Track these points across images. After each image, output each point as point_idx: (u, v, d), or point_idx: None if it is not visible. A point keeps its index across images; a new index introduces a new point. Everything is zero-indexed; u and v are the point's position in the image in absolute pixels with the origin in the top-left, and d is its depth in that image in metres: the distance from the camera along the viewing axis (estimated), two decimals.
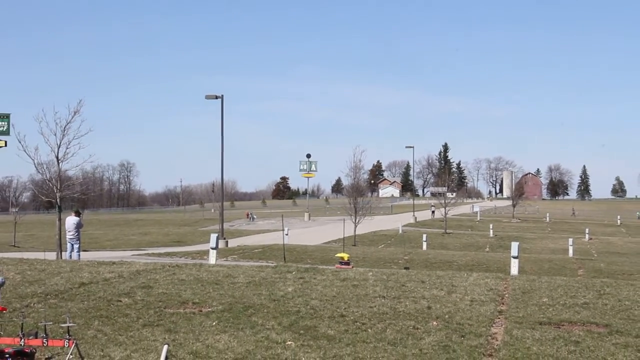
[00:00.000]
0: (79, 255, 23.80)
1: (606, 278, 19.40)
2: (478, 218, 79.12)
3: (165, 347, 7.78)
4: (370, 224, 50.48)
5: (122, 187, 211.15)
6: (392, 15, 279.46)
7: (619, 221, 78.88)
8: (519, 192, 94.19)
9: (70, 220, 24.23)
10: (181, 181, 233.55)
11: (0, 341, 7.72)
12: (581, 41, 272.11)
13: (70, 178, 30.04)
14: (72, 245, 24.01)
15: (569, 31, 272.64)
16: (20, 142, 24.83)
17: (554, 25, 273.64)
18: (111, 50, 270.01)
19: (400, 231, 53.59)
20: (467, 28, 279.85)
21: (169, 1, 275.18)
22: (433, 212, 75.22)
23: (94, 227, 64.41)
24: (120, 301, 11.61)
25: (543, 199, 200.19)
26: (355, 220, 43.72)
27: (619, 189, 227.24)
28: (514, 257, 19.99)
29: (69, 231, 24.09)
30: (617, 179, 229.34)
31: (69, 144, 24.49)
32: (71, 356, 7.67)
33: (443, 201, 60.85)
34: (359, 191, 48.77)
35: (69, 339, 7.65)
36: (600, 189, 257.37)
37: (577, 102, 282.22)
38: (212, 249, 21.57)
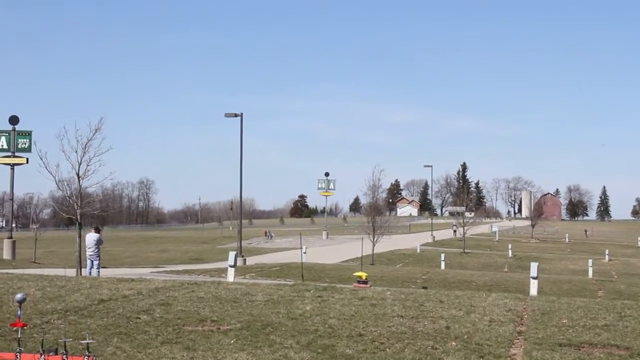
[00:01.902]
0: (99, 272, 23.91)
1: (627, 300, 19.21)
2: (497, 238, 78.72)
3: None
4: (388, 243, 50.37)
5: (141, 204, 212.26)
6: (409, 33, 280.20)
7: (639, 242, 78.14)
8: (538, 212, 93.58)
9: (91, 237, 24.38)
10: (200, 199, 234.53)
11: (21, 357, 7.79)
12: (600, 59, 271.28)
13: (91, 195, 30.29)
14: (92, 261, 24.13)
15: (588, 49, 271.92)
16: (41, 159, 24.99)
17: (572, 43, 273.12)
18: (131, 66, 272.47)
19: (419, 250, 53.40)
20: (485, 47, 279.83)
21: (189, 18, 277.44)
22: (455, 231, 75.13)
23: (113, 244, 64.74)
24: (139, 318, 11.65)
25: (562, 220, 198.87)
26: (373, 239, 43.64)
27: (639, 210, 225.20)
28: (533, 278, 19.85)
29: (89, 248, 24.22)
30: (638, 200, 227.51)
31: (89, 161, 24.66)
32: None
33: (461, 221, 60.81)
34: (377, 210, 48.72)
35: (89, 356, 7.70)
36: (621, 210, 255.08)
37: (598, 121, 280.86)
38: (231, 266, 21.59)
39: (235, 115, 40.61)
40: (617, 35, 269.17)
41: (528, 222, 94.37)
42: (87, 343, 8.02)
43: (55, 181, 25.31)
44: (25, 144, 40.20)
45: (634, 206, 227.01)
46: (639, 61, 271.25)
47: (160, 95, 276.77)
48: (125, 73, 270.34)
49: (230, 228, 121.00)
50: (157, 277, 21.56)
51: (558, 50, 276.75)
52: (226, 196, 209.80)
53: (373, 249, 42.59)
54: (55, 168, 25.05)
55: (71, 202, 25.74)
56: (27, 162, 40.42)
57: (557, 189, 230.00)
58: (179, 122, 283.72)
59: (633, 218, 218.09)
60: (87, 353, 7.80)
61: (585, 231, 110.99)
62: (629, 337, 10.93)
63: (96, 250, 24.22)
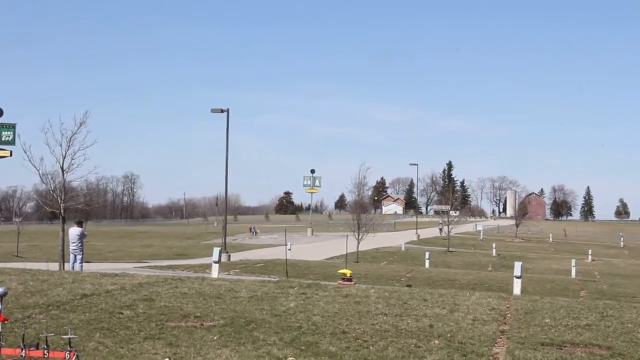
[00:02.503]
0: (82, 266, 23.79)
1: (609, 300, 19.33)
2: (481, 237, 78.93)
3: None
4: (373, 241, 50.33)
5: (125, 198, 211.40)
6: (397, 32, 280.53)
7: (622, 243, 78.65)
8: (523, 211, 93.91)
9: (74, 231, 24.24)
10: (185, 194, 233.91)
11: (2, 352, 7.72)
12: (585, 59, 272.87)
13: (75, 189, 30.10)
14: (76, 256, 24.00)
15: (573, 49, 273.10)
16: (25, 152, 24.91)
17: (557, 43, 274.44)
18: (116, 62, 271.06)
19: (403, 248, 53.47)
20: (471, 47, 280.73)
21: (175, 13, 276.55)
22: (441, 229, 75.29)
23: (97, 238, 64.45)
24: (122, 313, 11.60)
25: (546, 219, 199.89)
26: (358, 237, 43.65)
27: (622, 211, 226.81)
28: (517, 277, 19.92)
29: (72, 242, 24.09)
30: (621, 200, 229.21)
31: (74, 155, 24.57)
32: None
33: (446, 219, 61.03)
34: (363, 207, 48.74)
35: (70, 351, 7.65)
36: (604, 211, 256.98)
37: (582, 122, 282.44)
38: (215, 262, 21.54)
39: (222, 111, 40.49)
40: (602, 34, 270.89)
41: (512, 222, 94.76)
42: (69, 338, 7.96)
43: (39, 174, 25.20)
44: (9, 136, 39.65)
45: (618, 207, 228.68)
46: (625, 61, 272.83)
47: (146, 91, 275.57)
48: (111, 68, 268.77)
49: (215, 224, 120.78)
50: (140, 273, 21.48)
51: (544, 50, 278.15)
52: (211, 192, 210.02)
53: (358, 247, 42.61)
54: (39, 161, 24.95)
55: (55, 195, 25.60)
56: (11, 155, 40.08)
57: (542, 189, 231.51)
58: (165, 117, 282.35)
59: (616, 219, 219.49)
60: (68, 348, 7.74)
61: (564, 231, 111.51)
62: (611, 337, 10.99)
63: (79, 245, 24.09)
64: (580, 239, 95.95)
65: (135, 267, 30.23)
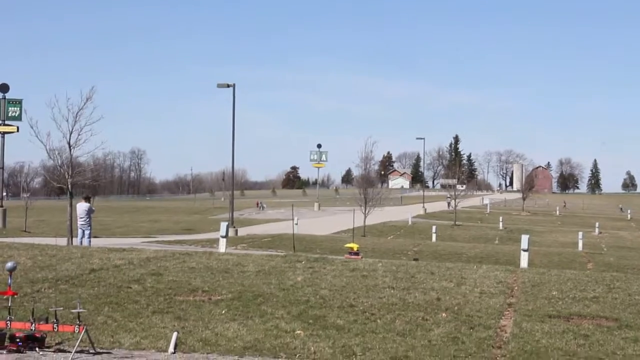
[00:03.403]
0: (90, 241, 23.87)
1: (616, 272, 19.31)
2: (488, 210, 78.92)
3: (175, 334, 7.84)
4: (379, 215, 50.34)
5: (132, 174, 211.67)
6: (402, 6, 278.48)
7: (629, 215, 78.57)
8: (529, 185, 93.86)
9: (82, 207, 24.28)
10: (192, 169, 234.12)
11: (12, 326, 7.79)
12: (592, 33, 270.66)
13: (82, 164, 30.04)
14: (84, 231, 24.07)
15: (582, 23, 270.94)
16: (32, 128, 24.78)
17: (566, 16, 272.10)
18: (123, 37, 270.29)
19: (410, 222, 53.53)
20: (476, 20, 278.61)
21: None
22: (449, 203, 75.32)
23: (104, 213, 64.64)
24: (131, 288, 11.66)
25: (553, 193, 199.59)
26: (365, 211, 43.68)
27: (629, 183, 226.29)
28: (524, 250, 19.92)
29: (80, 217, 24.15)
30: (628, 173, 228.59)
31: (80, 130, 24.45)
32: (81, 342, 7.72)
33: (453, 193, 61.03)
34: (369, 182, 48.71)
35: (79, 325, 7.71)
36: (611, 183, 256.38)
37: (589, 95, 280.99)
38: (222, 237, 21.58)
39: (228, 86, 40.36)
40: (608, 8, 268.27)
41: (519, 195, 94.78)
42: (78, 312, 8.02)
43: (47, 150, 25.14)
44: (15, 112, 39.87)
45: (625, 179, 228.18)
46: (628, 34, 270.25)
47: (152, 66, 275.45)
48: (118, 43, 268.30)
49: (222, 199, 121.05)
50: (148, 247, 21.55)
51: (550, 21, 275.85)
52: (218, 167, 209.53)
53: (365, 221, 42.65)
54: (46, 137, 24.88)
55: (62, 171, 25.59)
56: (18, 130, 40.15)
57: (549, 162, 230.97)
58: (171, 92, 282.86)
59: (623, 191, 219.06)
60: (78, 322, 7.80)
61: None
62: (618, 308, 11.00)
63: (87, 220, 24.14)
64: (587, 211, 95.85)
65: (143, 242, 30.33)
